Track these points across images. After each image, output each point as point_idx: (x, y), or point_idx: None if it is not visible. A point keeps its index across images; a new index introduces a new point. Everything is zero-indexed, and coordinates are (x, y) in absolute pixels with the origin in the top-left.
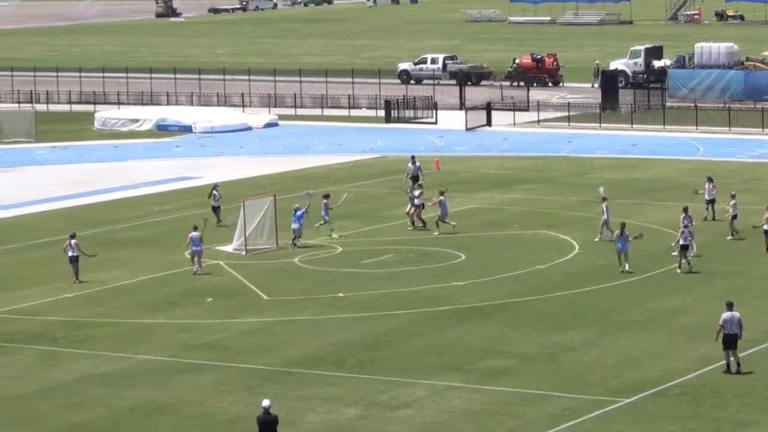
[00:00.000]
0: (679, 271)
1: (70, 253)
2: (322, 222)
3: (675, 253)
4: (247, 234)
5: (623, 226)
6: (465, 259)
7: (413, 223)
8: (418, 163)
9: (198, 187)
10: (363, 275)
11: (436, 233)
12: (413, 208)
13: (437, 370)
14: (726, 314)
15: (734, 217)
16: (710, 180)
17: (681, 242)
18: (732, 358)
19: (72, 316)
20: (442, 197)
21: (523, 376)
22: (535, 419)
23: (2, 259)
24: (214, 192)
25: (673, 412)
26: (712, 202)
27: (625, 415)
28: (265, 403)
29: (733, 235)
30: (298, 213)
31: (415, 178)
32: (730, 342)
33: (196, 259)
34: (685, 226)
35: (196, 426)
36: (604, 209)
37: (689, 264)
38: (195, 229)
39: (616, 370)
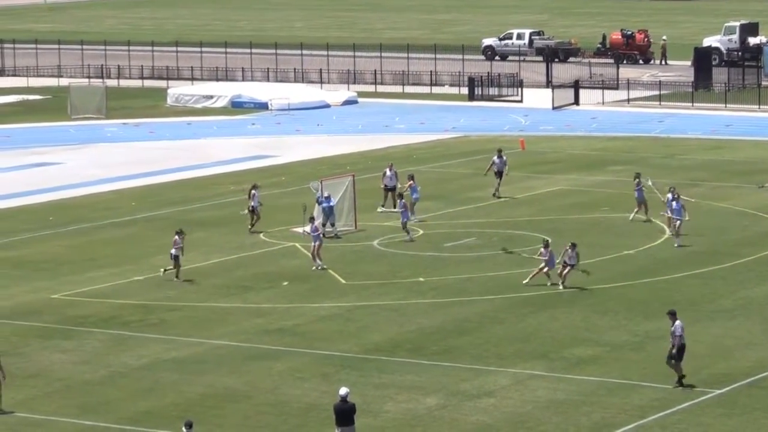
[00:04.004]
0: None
1: (172, 251)
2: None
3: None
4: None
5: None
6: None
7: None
8: (504, 157)
9: (274, 166)
10: (445, 259)
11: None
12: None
13: (521, 358)
14: (680, 323)
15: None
16: None
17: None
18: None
19: (143, 299)
20: (411, 182)
21: (611, 365)
22: (622, 410)
23: (73, 240)
24: (253, 192)
25: (767, 404)
26: None
27: (717, 407)
28: (343, 391)
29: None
30: (332, 202)
31: (500, 174)
32: (680, 353)
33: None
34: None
35: (270, 414)
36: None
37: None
38: (312, 220)
39: (708, 360)
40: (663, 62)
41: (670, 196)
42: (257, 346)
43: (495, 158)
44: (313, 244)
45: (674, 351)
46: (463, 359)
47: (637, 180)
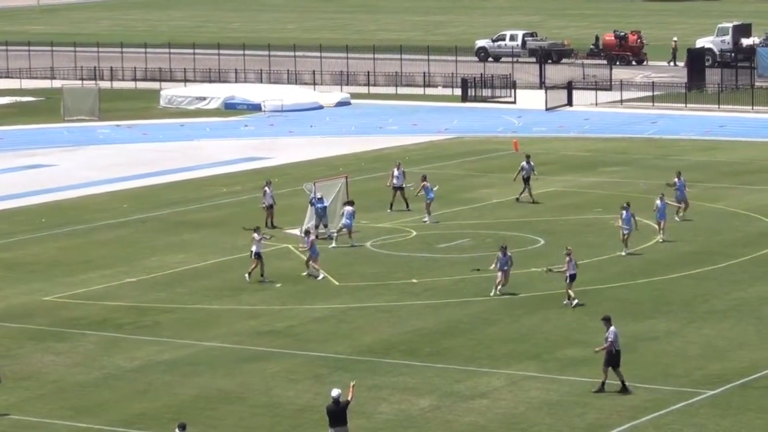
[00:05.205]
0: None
1: (254, 249)
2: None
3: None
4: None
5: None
6: (544, 244)
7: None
8: (532, 163)
9: (268, 167)
10: (438, 260)
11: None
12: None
13: (514, 359)
14: (613, 329)
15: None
16: None
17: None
18: (607, 377)
19: (136, 301)
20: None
21: None
22: (615, 411)
23: (66, 241)
24: (266, 189)
25: (760, 404)
26: None
27: (710, 408)
28: (335, 392)
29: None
30: (325, 203)
31: (527, 180)
32: (616, 359)
33: (312, 263)
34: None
35: (264, 415)
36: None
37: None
38: (307, 234)
39: (701, 361)
40: (674, 63)
41: (658, 202)
42: (250, 347)
43: (524, 163)
44: (310, 255)
45: (606, 356)
46: (456, 360)
47: (676, 179)
